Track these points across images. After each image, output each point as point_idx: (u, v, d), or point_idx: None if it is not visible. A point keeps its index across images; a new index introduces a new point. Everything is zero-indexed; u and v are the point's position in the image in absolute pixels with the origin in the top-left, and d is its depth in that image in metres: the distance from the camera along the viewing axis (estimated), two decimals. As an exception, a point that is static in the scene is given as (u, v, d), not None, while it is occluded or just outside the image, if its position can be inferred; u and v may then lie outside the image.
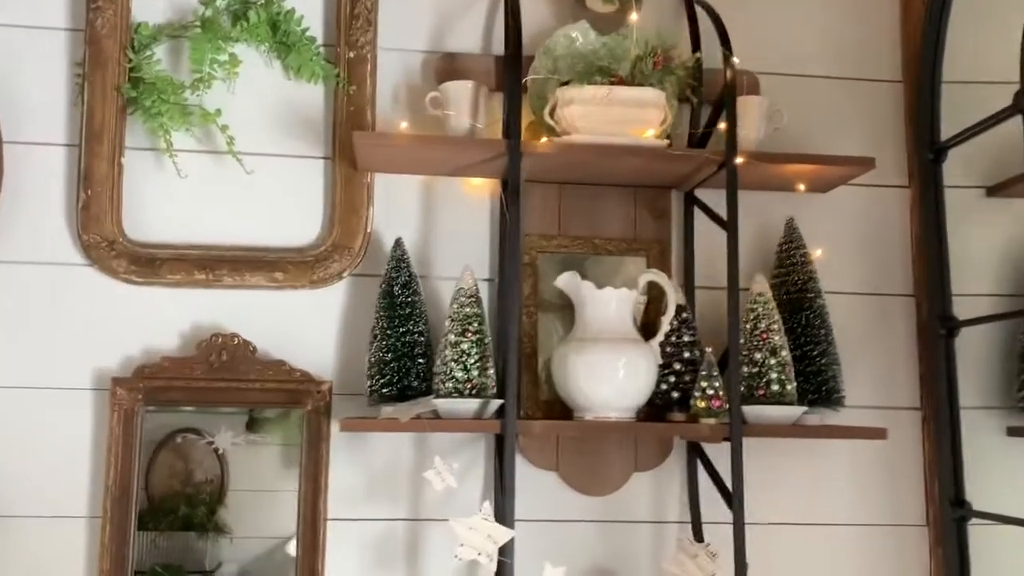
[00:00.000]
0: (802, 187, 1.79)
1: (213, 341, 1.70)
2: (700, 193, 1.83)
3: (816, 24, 1.98)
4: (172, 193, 1.76)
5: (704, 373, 1.61)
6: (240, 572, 1.65)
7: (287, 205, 1.79)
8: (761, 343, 1.66)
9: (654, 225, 1.85)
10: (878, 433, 1.66)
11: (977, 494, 1.73)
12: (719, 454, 1.70)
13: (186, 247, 1.75)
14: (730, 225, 1.64)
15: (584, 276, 1.66)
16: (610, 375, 1.60)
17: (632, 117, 1.66)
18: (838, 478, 1.85)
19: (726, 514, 1.62)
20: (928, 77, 1.82)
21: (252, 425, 1.71)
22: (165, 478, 1.66)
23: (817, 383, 1.72)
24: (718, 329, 1.80)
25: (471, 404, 1.59)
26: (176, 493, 1.66)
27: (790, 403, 1.64)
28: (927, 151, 1.82)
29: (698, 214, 1.83)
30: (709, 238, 1.83)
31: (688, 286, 1.82)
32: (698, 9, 1.82)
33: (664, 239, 1.85)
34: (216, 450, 1.70)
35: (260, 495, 1.70)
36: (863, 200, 1.93)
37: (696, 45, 1.83)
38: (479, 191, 1.84)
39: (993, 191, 1.91)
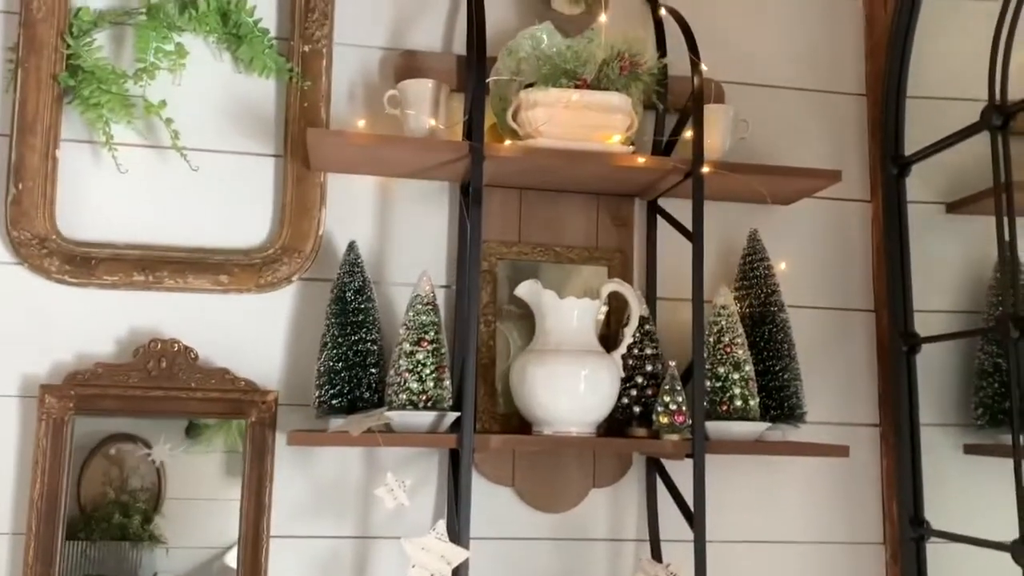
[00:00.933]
0: (768, 199, 1.76)
1: (151, 347, 1.60)
2: (664, 203, 1.79)
3: (780, 34, 1.96)
4: (111, 189, 1.66)
5: (667, 387, 1.56)
6: (176, 583, 1.55)
7: (234, 204, 1.70)
8: (724, 357, 1.62)
9: (616, 234, 1.81)
10: (840, 451, 1.64)
11: (934, 512, 1.72)
12: (679, 470, 1.66)
13: (125, 247, 1.65)
14: (695, 236, 1.60)
15: (544, 285, 1.61)
16: (571, 388, 1.54)
17: (598, 122, 1.61)
18: (796, 495, 1.83)
19: (685, 532, 1.57)
20: (893, 91, 1.81)
21: (192, 431, 1.61)
22: (98, 484, 1.57)
23: (779, 399, 1.69)
24: (680, 342, 1.76)
25: (426, 417, 1.52)
26: (110, 501, 1.57)
27: (753, 419, 1.61)
28: (892, 165, 1.80)
29: (662, 224, 1.79)
30: (672, 248, 1.79)
31: (650, 297, 1.78)
32: (664, 14, 1.78)
33: (626, 248, 1.81)
34: (153, 462, 1.60)
35: (199, 503, 1.61)
36: (825, 213, 1.91)
37: (662, 51, 1.79)
38: (437, 194, 1.77)
39: (953, 207, 1.91)
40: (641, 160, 1.60)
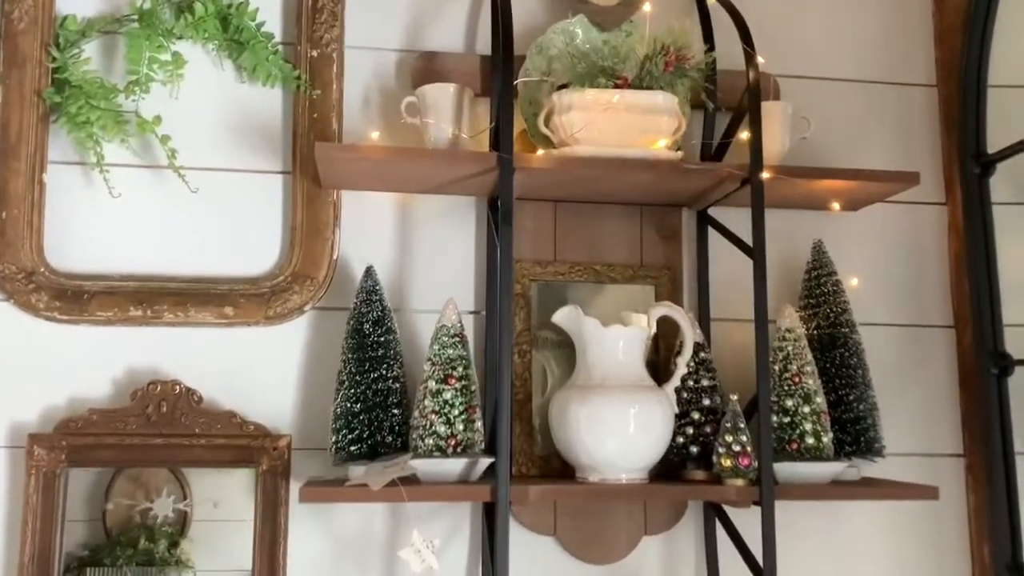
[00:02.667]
0: (836, 205, 1.56)
1: (150, 390, 1.45)
2: (715, 212, 1.60)
3: (838, 21, 1.76)
4: (103, 215, 1.51)
5: (729, 425, 1.37)
6: (205, 607, 1.41)
7: (239, 228, 1.54)
8: (793, 388, 1.43)
9: (663, 249, 1.62)
10: (928, 492, 1.43)
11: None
12: (743, 513, 1.47)
13: (119, 278, 1.49)
14: (756, 250, 1.41)
15: (584, 308, 1.43)
16: (619, 429, 1.36)
17: (642, 125, 1.43)
18: (871, 538, 1.63)
19: None
20: (973, 80, 1.60)
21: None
22: (124, 508, 1.45)
23: (854, 432, 1.49)
24: (738, 369, 1.58)
25: (456, 464, 1.35)
26: (136, 525, 1.44)
27: (827, 458, 1.41)
28: (973, 164, 1.60)
29: (713, 236, 1.60)
30: (725, 263, 1.61)
31: (703, 319, 1.59)
32: (711, 3, 1.59)
33: (675, 265, 1.62)
34: (155, 517, 1.45)
35: (228, 525, 1.46)
36: (896, 219, 1.72)
37: (710, 44, 1.60)
38: (463, 211, 1.60)
39: (1042, 209, 1.70)
40: (693, 167, 1.41)
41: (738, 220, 1.54)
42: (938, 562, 1.64)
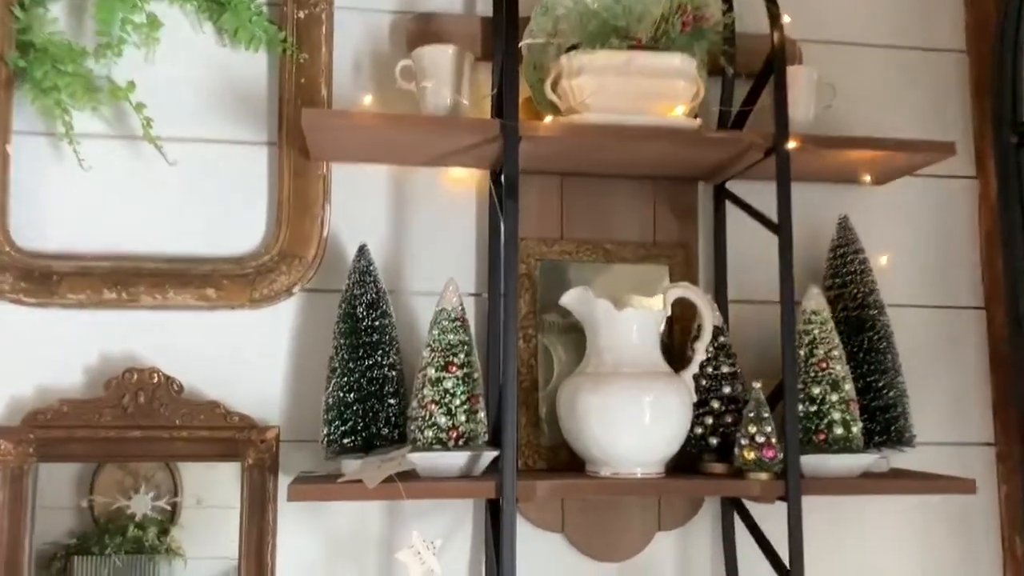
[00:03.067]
0: (868, 178, 1.46)
1: (126, 378, 1.34)
2: (733, 187, 1.50)
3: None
4: (73, 190, 1.39)
5: (752, 414, 1.27)
6: (196, 597, 1.34)
7: (221, 204, 1.43)
8: (820, 374, 1.33)
9: (678, 226, 1.51)
10: (964, 486, 1.34)
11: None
12: (764, 506, 1.36)
13: (92, 258, 1.38)
14: (782, 226, 1.31)
15: (593, 290, 1.33)
16: (633, 419, 1.26)
17: (657, 90, 1.31)
18: (897, 531, 1.53)
19: None
20: (1011, 44, 1.50)
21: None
22: (111, 495, 1.36)
23: (884, 421, 1.39)
24: (757, 354, 1.49)
25: (458, 458, 1.24)
26: (124, 513, 1.35)
27: (856, 449, 1.31)
28: (1009, 133, 1.50)
29: (731, 212, 1.50)
30: (743, 241, 1.51)
31: (720, 301, 1.48)
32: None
33: (690, 243, 1.51)
34: (132, 516, 1.34)
35: (218, 511, 1.37)
36: (923, 193, 1.62)
37: (728, 3, 1.48)
38: (462, 185, 1.49)
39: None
40: (714, 136, 1.30)
41: (758, 194, 1.44)
42: (967, 555, 1.55)
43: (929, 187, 1.61)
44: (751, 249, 1.50)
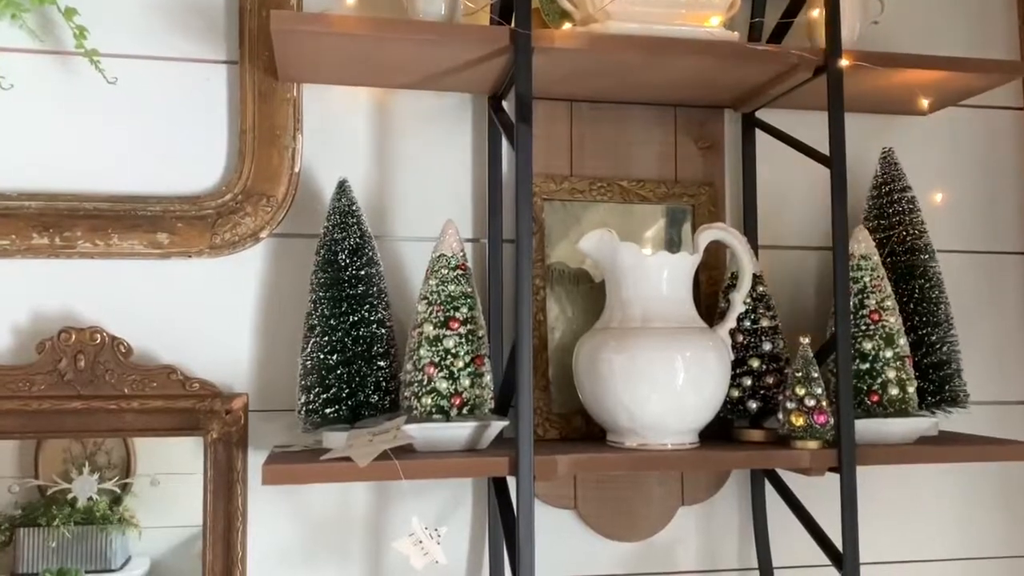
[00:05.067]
0: (925, 102, 1.28)
1: (63, 340, 1.13)
2: (764, 115, 1.32)
3: None
4: (-7, 114, 1.17)
5: (800, 375, 1.10)
6: (152, 567, 1.19)
7: (173, 133, 1.21)
8: (872, 328, 1.17)
9: (702, 160, 1.33)
10: (1027, 452, 1.19)
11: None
12: (804, 476, 1.21)
13: (17, 196, 1.16)
14: (835, 158, 1.13)
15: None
16: (665, 382, 1.08)
17: (689, -2, 1.12)
18: (940, 499, 1.40)
19: (805, 556, 1.17)
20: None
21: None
22: (59, 463, 1.18)
23: (938, 380, 1.24)
24: (792, 304, 1.32)
25: (462, 429, 1.06)
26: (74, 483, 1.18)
27: (912, 412, 1.16)
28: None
29: (761, 144, 1.32)
30: (774, 177, 1.34)
31: (751, 246, 1.31)
32: None
33: (717, 180, 1.33)
34: (73, 500, 1.14)
35: (175, 478, 1.20)
36: (966, 125, 1.46)
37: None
38: (456, 111, 1.28)
39: None
40: (759, 49, 1.11)
41: (791, 124, 1.27)
42: (1013, 524, 1.42)
43: (972, 119, 1.45)
44: (781, 186, 1.34)
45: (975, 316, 1.42)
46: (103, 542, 1.18)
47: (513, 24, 1.06)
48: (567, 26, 1.12)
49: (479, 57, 1.11)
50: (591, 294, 1.27)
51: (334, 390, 1.09)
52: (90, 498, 1.16)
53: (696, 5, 1.13)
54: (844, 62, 1.14)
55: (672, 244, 1.31)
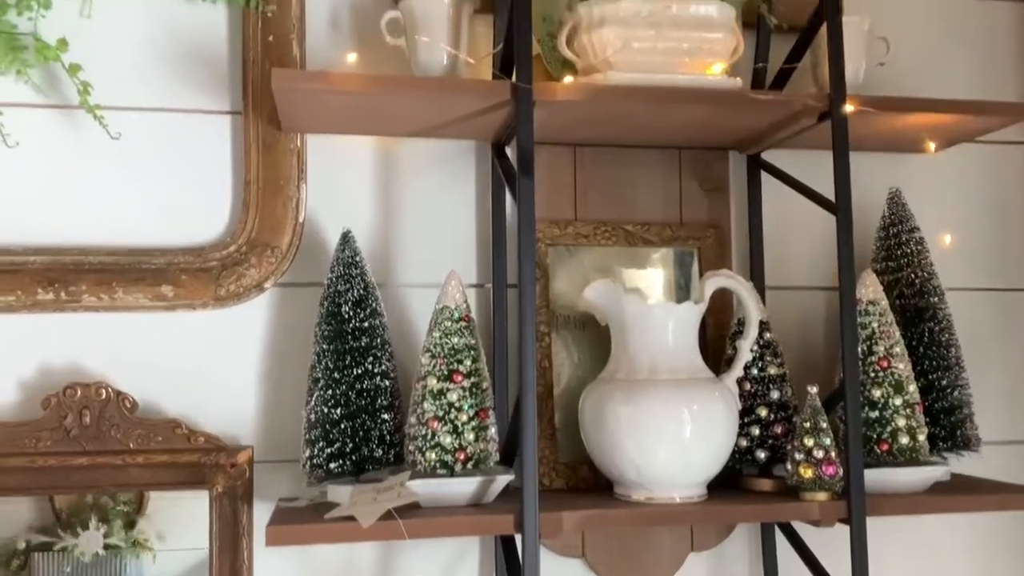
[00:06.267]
0: (932, 145, 1.27)
1: (68, 395, 1.13)
2: (769, 156, 1.31)
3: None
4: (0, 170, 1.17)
5: (808, 425, 1.09)
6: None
7: (177, 185, 1.21)
8: (880, 375, 1.16)
9: (708, 203, 1.32)
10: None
11: None
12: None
13: (23, 251, 1.16)
14: (840, 204, 1.12)
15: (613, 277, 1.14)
16: (672, 435, 1.07)
17: (693, 44, 1.11)
18: (958, 546, 1.37)
19: None
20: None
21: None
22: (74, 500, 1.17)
23: (949, 425, 1.22)
24: (799, 348, 1.31)
25: (467, 485, 1.06)
26: (87, 505, 1.17)
27: (923, 460, 1.14)
28: (1082, 93, 1.31)
29: (767, 185, 1.31)
30: (777, 217, 1.33)
31: (757, 287, 1.30)
32: None
33: (722, 222, 1.33)
34: (81, 554, 1.14)
35: (188, 498, 1.17)
36: (976, 161, 1.44)
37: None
38: (460, 158, 1.28)
39: None
40: (763, 98, 1.11)
41: (797, 165, 1.27)
42: (1029, 568, 1.40)
43: (982, 155, 1.43)
44: (784, 227, 1.33)
45: (986, 354, 1.40)
46: (118, 566, 1.18)
47: (514, 78, 1.05)
48: (568, 79, 1.11)
49: (481, 109, 1.11)
50: (597, 338, 1.26)
51: (338, 444, 1.09)
52: (105, 516, 1.16)
53: (699, 52, 1.12)
54: (849, 108, 1.13)
55: (679, 287, 1.30)
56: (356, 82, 1.05)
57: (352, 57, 1.21)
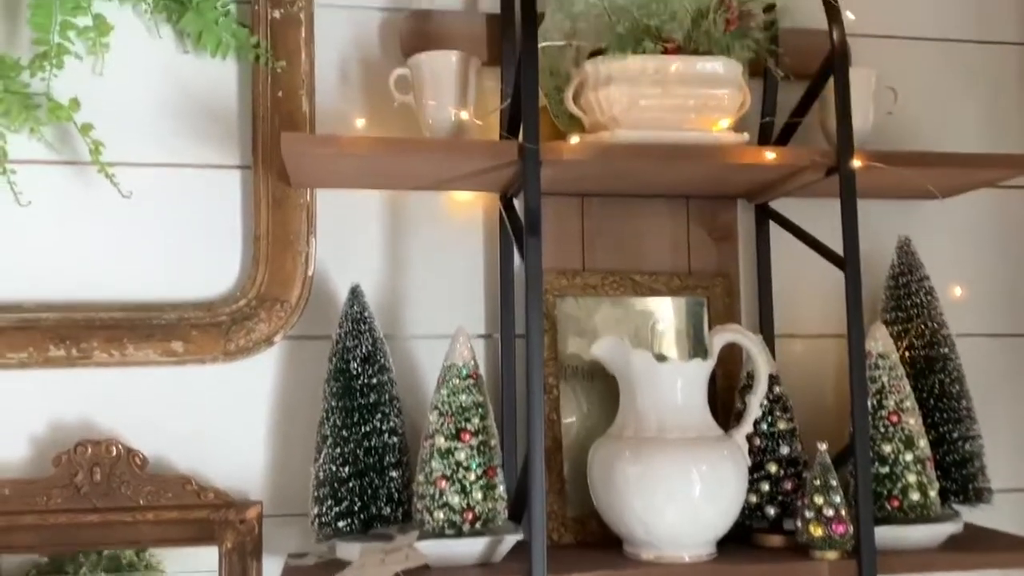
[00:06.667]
0: (940, 198, 1.27)
1: (79, 453, 1.13)
2: (778, 205, 1.31)
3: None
4: (11, 228, 1.19)
5: (818, 483, 1.09)
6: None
7: (187, 240, 1.22)
8: (891, 430, 1.15)
9: (716, 251, 1.32)
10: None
11: None
12: None
13: (35, 308, 1.17)
14: (849, 260, 1.12)
15: (622, 326, 1.15)
16: (681, 494, 1.07)
17: (699, 101, 1.12)
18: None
19: None
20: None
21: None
22: None
23: (961, 479, 1.21)
24: (807, 397, 1.30)
25: (475, 545, 1.06)
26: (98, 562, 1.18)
27: (935, 516, 1.14)
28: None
29: (776, 232, 1.31)
30: (784, 263, 1.33)
31: (766, 337, 1.29)
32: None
33: (731, 271, 1.32)
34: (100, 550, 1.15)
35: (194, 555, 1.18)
36: (984, 207, 1.43)
37: (768, -7, 1.29)
38: (468, 209, 1.29)
39: None
40: (770, 156, 1.11)
41: (806, 212, 1.27)
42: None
43: (992, 199, 1.43)
44: (796, 276, 1.33)
45: (998, 400, 1.39)
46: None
47: (521, 138, 1.06)
48: (574, 138, 1.11)
49: (489, 167, 1.11)
50: (606, 388, 1.26)
51: (346, 503, 1.09)
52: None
53: (705, 109, 1.13)
54: (856, 163, 1.13)
55: (688, 338, 1.29)
56: (364, 145, 1.06)
57: (361, 119, 1.21)
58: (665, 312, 1.30)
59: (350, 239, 1.26)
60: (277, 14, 1.23)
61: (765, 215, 1.32)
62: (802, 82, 1.25)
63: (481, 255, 1.29)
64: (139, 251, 1.21)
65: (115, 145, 1.18)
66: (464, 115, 1.13)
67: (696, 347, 1.28)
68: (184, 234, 1.22)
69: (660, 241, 1.31)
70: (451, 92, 1.14)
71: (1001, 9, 1.48)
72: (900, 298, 1.28)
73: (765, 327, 1.31)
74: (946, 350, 1.25)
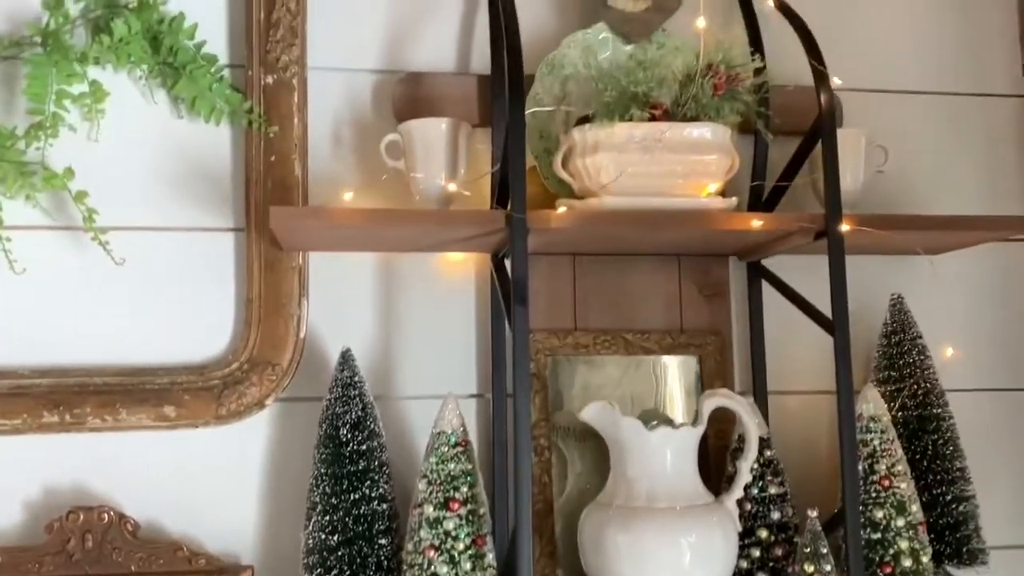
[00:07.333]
0: (930, 258, 1.27)
1: (71, 520, 1.14)
2: (770, 263, 1.31)
3: (901, 22, 1.46)
4: (5, 294, 1.19)
5: (808, 551, 1.08)
6: None
7: (180, 304, 1.23)
8: (882, 495, 1.15)
9: (708, 309, 1.32)
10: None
11: None
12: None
13: (28, 374, 1.18)
14: (838, 323, 1.12)
15: (612, 387, 1.15)
16: (672, 563, 1.07)
17: (688, 167, 1.12)
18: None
19: None
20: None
21: None
22: None
23: (954, 542, 1.21)
24: (798, 455, 1.30)
25: (463, 616, 1.05)
26: None
27: (929, 583, 1.13)
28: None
29: (771, 289, 1.31)
30: (775, 319, 1.32)
31: (758, 397, 1.29)
32: (764, 7, 1.29)
33: (723, 328, 1.32)
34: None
35: None
36: (978, 262, 1.42)
37: (756, 52, 1.29)
38: (459, 270, 1.29)
39: None
40: (757, 224, 1.11)
41: (798, 269, 1.27)
42: None
43: (986, 254, 1.42)
44: (789, 332, 1.33)
45: (994, 455, 1.38)
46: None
47: (509, 208, 1.06)
48: (562, 207, 1.12)
49: (478, 234, 1.12)
50: (599, 448, 1.25)
51: (335, 572, 1.09)
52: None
53: (693, 174, 1.13)
54: (844, 227, 1.13)
55: (680, 396, 1.29)
56: (354, 216, 1.07)
57: (350, 192, 1.22)
58: (658, 370, 1.30)
59: (343, 300, 1.26)
60: (270, 80, 1.24)
61: (757, 273, 1.32)
62: (794, 139, 1.26)
63: (473, 314, 1.29)
64: (132, 315, 1.22)
65: (110, 209, 1.19)
66: (452, 187, 1.13)
67: (688, 405, 1.28)
68: (177, 297, 1.23)
69: (652, 299, 1.31)
70: (440, 160, 1.15)
71: (995, 61, 1.48)
72: (893, 357, 1.28)
73: (758, 384, 1.31)
74: (939, 410, 1.24)
